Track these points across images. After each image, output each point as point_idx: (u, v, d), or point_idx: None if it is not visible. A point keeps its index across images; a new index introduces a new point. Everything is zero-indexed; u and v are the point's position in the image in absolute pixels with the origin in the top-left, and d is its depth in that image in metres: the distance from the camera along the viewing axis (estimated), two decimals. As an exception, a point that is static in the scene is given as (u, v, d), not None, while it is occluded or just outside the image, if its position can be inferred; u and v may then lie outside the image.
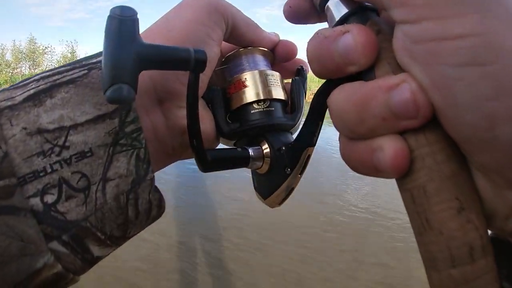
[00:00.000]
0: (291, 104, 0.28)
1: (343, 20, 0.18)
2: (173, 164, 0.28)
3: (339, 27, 0.16)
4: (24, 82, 0.19)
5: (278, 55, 0.29)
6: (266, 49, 0.28)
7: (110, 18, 0.18)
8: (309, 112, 0.22)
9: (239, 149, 0.25)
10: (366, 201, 3.17)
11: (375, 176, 0.16)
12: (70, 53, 18.56)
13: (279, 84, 0.27)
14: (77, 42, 19.12)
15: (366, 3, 0.18)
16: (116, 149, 0.19)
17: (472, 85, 0.12)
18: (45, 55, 19.41)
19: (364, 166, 0.16)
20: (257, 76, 0.26)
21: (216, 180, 3.43)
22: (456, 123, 0.13)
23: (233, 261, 2.33)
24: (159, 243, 2.42)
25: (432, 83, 0.13)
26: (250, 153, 0.25)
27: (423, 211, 0.14)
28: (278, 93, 0.26)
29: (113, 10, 0.18)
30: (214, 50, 0.24)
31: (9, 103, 0.18)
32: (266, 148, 0.25)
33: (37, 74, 0.20)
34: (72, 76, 0.19)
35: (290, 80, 0.29)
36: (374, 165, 0.15)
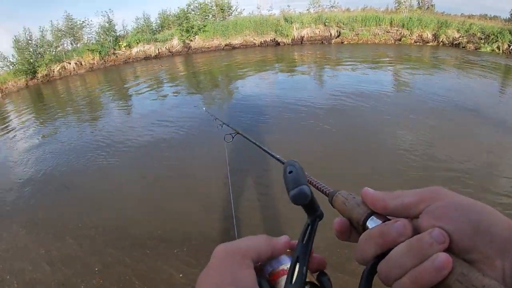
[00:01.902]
0: None
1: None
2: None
3: (391, 221, 0.31)
4: None
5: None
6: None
7: (293, 162, 0.36)
8: (363, 280, 0.31)
9: None
10: None
11: (432, 282, 0.26)
12: (107, 23, 18.35)
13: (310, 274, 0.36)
14: (112, 10, 18.87)
15: (388, 216, 0.32)
16: None
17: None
18: (83, 28, 19.39)
19: (428, 275, 0.26)
20: None
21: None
22: (463, 238, 0.26)
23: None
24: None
25: (449, 226, 0.27)
26: None
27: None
28: (313, 279, 0.35)
29: (292, 161, 0.37)
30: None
31: None
32: None
33: None
34: None
35: None
36: (434, 268, 0.26)
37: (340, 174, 3.44)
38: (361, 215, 0.33)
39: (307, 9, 18.02)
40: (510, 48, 18.07)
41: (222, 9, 17.38)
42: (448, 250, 0.27)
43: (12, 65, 18.66)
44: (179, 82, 10.20)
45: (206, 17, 17.14)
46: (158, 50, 16.58)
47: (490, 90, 8.44)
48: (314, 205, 0.36)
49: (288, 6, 19.01)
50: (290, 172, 0.35)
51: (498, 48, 17.78)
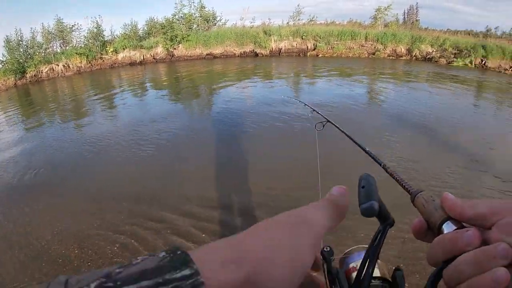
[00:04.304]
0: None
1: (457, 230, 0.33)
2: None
3: (463, 229, 0.32)
4: None
5: None
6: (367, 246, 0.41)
7: (368, 177, 0.38)
8: (429, 282, 0.33)
9: None
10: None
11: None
12: (96, 28, 19.02)
13: (386, 270, 0.45)
14: (101, 16, 19.51)
15: (466, 226, 0.34)
16: None
17: None
18: (73, 32, 20.03)
19: (484, 286, 0.28)
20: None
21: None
22: None
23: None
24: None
25: None
26: None
27: None
28: (387, 274, 0.42)
29: (367, 175, 0.38)
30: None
31: None
32: None
33: None
34: None
35: None
36: (491, 280, 0.27)
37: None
38: (438, 219, 0.35)
39: (287, 23, 18.98)
40: (483, 62, 19.05)
41: (206, 20, 18.21)
42: None
43: (2, 63, 19.23)
44: (163, 87, 10.96)
45: (191, 27, 17.94)
46: (143, 56, 17.31)
47: (453, 102, 9.26)
48: (384, 215, 0.39)
49: (269, 19, 19.99)
50: (363, 186, 0.37)
51: (471, 62, 18.73)
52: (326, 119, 1.51)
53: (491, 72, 17.83)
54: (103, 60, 18.46)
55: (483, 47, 18.50)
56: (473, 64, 18.30)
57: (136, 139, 5.71)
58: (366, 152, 0.78)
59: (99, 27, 18.95)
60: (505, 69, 18.65)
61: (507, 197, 3.67)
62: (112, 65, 18.12)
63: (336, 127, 1.23)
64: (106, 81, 14.44)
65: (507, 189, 3.90)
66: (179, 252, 0.23)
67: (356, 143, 0.88)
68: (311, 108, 1.83)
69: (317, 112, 1.68)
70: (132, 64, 17.62)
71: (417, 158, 4.62)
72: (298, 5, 19.88)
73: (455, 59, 18.29)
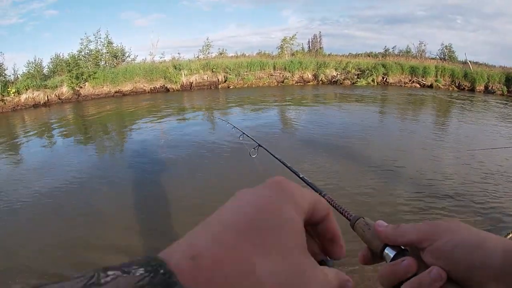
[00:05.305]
0: None
1: (395, 257, 0.38)
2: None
3: (399, 260, 0.37)
4: None
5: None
6: None
7: None
8: None
9: None
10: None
11: None
12: (-3, 67, 17.92)
13: None
14: (3, 53, 18.40)
15: (403, 247, 0.39)
16: None
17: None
18: (-29, 72, 18.66)
19: None
20: None
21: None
22: (460, 274, 0.33)
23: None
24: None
25: (446, 265, 0.34)
26: None
27: None
28: None
29: None
30: None
31: None
32: None
33: None
34: None
35: None
36: None
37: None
38: (377, 246, 0.40)
39: (197, 56, 19.54)
40: (385, 79, 21.16)
41: (115, 56, 18.13)
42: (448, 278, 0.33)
43: None
44: (71, 132, 10.04)
45: (98, 63, 17.73)
46: (48, 97, 16.79)
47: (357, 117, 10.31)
48: None
49: (179, 53, 20.33)
50: None
51: (373, 80, 20.71)
52: (257, 143, 1.38)
53: (392, 86, 20.00)
54: (5, 103, 17.55)
55: (383, 65, 20.66)
56: (375, 82, 20.35)
57: (49, 201, 4.92)
58: (301, 178, 0.73)
59: (0, 66, 17.92)
60: (405, 83, 21.01)
61: (420, 195, 4.52)
62: (14, 107, 17.33)
63: (268, 151, 1.10)
64: (8, 127, 13.72)
65: (419, 189, 4.76)
66: (161, 271, 0.17)
67: (290, 169, 0.82)
68: (241, 131, 1.67)
69: (247, 135, 1.51)
70: (36, 105, 17.01)
71: (343, 176, 5.33)
72: (207, 39, 20.65)
73: (358, 80, 20.18)
